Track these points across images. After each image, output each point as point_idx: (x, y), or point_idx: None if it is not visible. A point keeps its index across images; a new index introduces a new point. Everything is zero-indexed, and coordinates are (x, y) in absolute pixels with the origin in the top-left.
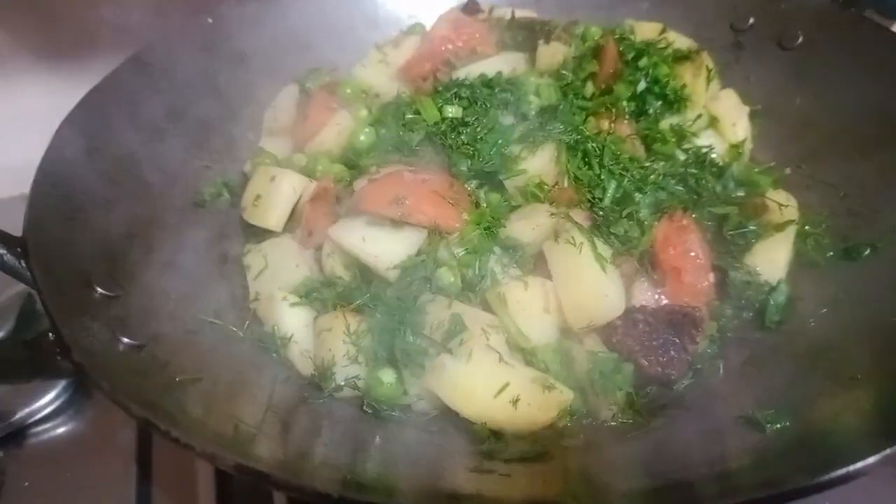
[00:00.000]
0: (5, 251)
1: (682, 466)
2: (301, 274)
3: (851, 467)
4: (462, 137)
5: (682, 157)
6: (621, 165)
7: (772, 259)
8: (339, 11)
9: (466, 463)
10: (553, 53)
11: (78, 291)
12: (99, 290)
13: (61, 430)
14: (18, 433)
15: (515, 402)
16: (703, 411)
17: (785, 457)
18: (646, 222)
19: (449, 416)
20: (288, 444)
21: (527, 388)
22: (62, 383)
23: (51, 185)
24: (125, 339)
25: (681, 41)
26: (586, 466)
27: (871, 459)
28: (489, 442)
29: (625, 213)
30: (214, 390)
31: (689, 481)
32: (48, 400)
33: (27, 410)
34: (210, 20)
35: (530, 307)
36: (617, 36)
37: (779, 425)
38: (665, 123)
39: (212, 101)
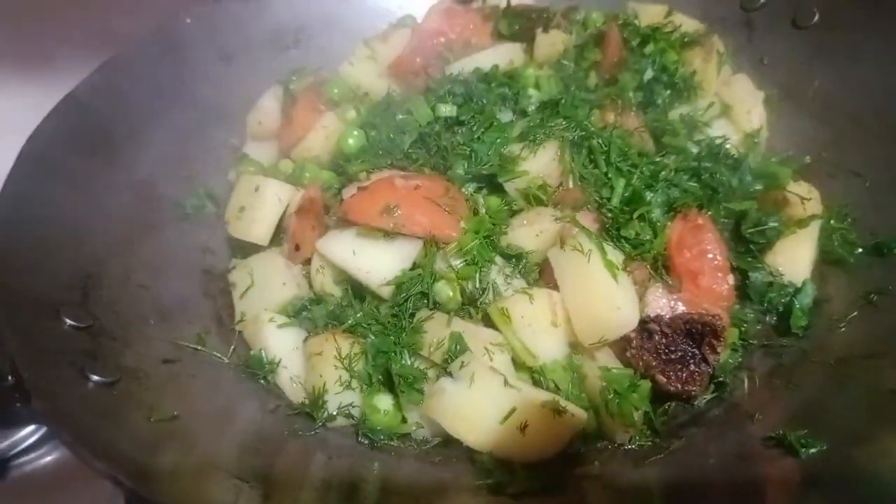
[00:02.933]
0: None
1: (710, 501)
2: (289, 292)
3: None
4: (457, 137)
5: (694, 149)
6: (630, 162)
7: (795, 258)
8: (324, 6)
9: (470, 501)
10: (552, 43)
11: (43, 325)
12: (68, 321)
13: (45, 460)
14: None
15: (523, 428)
16: (728, 430)
17: (825, 492)
18: (658, 223)
19: (451, 446)
20: (275, 497)
21: (535, 413)
22: None
23: (15, 207)
24: (95, 377)
25: (688, 24)
26: (602, 500)
27: None
28: (495, 473)
29: (636, 214)
30: (194, 430)
31: None
32: (30, 430)
33: (8, 442)
34: (189, 21)
35: (536, 322)
36: (620, 21)
37: (814, 449)
38: (675, 114)
39: (192, 107)
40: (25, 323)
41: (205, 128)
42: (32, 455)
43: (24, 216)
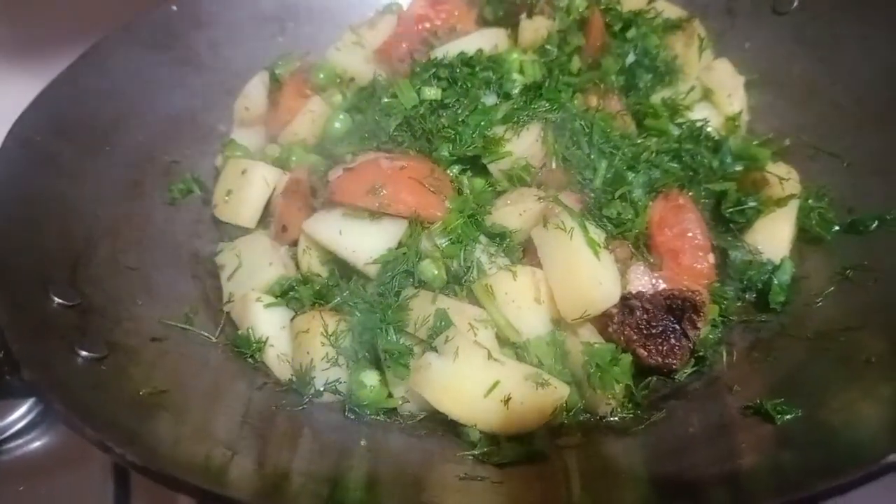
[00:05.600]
0: None
1: (689, 465)
2: (276, 272)
3: (874, 467)
4: (442, 120)
5: (675, 132)
6: (612, 143)
7: (774, 236)
8: None
9: (456, 470)
10: (536, 28)
11: (32, 302)
12: (56, 299)
13: (35, 445)
14: None
15: (507, 401)
16: (708, 402)
17: (799, 453)
18: (640, 203)
19: (437, 419)
20: (266, 464)
21: (519, 386)
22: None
23: (3, 188)
24: (84, 352)
25: (670, 9)
26: (585, 468)
27: (893, 457)
28: (480, 445)
29: (617, 194)
30: (184, 404)
31: (697, 484)
32: (20, 414)
33: None
34: (174, 7)
35: (520, 298)
36: (603, 6)
37: (790, 416)
38: (657, 97)
39: (179, 93)
40: (14, 298)
41: (192, 114)
42: (21, 440)
43: (11, 197)
